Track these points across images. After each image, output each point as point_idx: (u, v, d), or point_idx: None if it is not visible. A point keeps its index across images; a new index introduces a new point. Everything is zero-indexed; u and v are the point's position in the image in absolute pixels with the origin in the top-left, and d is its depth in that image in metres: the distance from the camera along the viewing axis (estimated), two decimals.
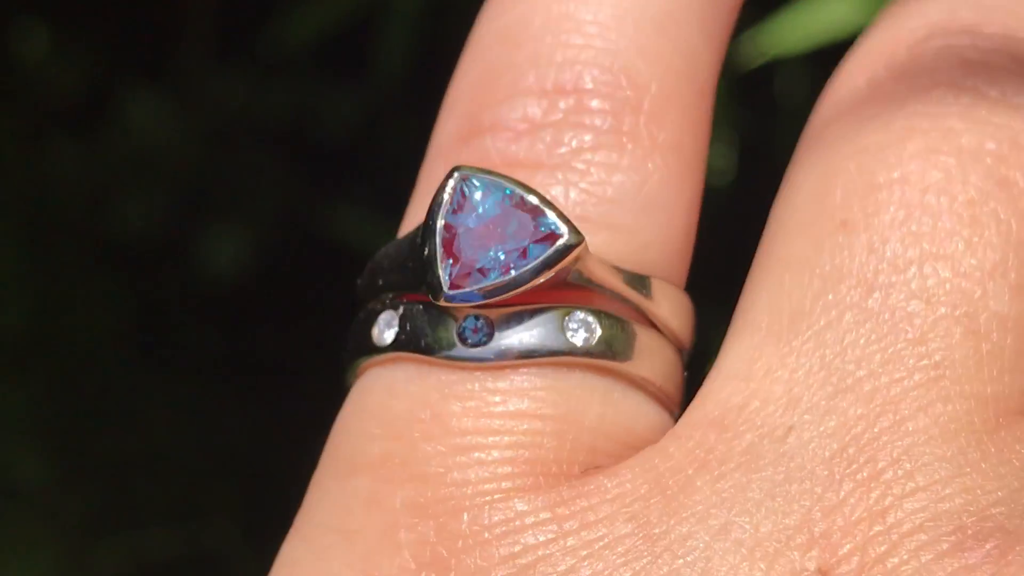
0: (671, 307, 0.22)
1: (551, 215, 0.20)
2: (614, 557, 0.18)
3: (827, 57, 0.94)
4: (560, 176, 0.21)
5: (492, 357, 0.20)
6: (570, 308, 0.20)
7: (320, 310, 1.21)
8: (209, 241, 1.15)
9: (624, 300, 0.22)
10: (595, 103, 0.21)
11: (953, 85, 0.22)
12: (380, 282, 0.23)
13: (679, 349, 0.23)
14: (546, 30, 0.22)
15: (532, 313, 0.20)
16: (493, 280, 0.20)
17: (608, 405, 0.20)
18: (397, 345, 0.21)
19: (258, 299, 1.20)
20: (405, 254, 0.23)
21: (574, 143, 0.21)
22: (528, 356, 0.20)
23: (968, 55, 0.22)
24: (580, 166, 0.21)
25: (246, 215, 1.16)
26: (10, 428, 1.12)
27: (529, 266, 0.20)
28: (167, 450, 1.18)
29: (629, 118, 0.21)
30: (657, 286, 0.22)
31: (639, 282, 0.22)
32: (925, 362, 0.20)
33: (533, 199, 0.20)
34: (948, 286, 0.20)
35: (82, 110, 1.17)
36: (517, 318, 0.20)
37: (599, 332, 0.20)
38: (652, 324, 0.22)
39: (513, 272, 0.20)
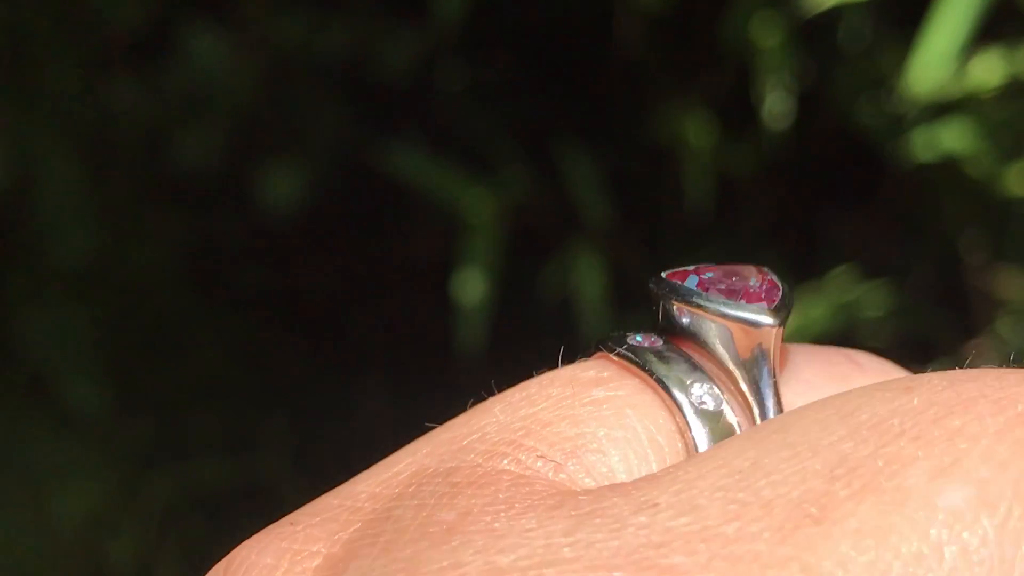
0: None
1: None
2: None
3: (892, 3, 0.93)
4: None
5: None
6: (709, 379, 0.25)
7: (373, 246, 1.21)
8: (265, 177, 1.15)
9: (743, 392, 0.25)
10: None
11: None
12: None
13: None
14: None
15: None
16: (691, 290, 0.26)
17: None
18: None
19: (312, 235, 1.20)
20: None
21: None
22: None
23: None
24: None
25: (302, 152, 1.17)
26: (68, 357, 1.13)
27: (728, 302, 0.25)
28: (220, 383, 1.19)
29: None
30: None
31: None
32: None
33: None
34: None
35: (143, 45, 1.18)
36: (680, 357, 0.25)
37: (711, 406, 0.25)
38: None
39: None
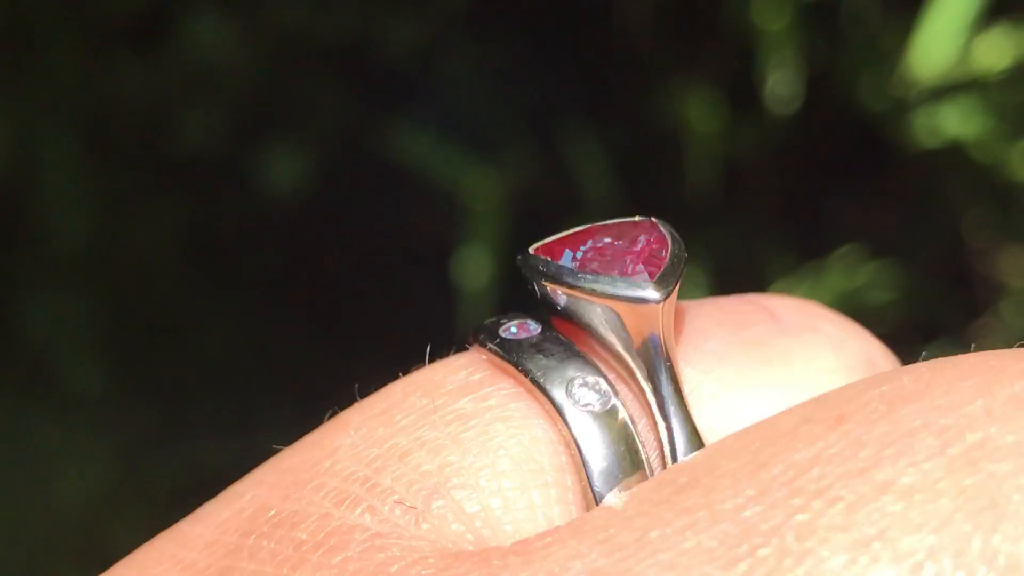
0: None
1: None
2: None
3: None
4: None
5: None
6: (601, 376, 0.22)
7: (377, 229, 1.21)
8: (268, 159, 1.15)
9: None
10: None
11: None
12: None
13: None
14: None
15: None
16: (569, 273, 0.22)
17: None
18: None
19: (316, 218, 1.20)
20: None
21: None
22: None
23: None
24: None
25: (305, 134, 1.17)
26: (71, 340, 1.14)
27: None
28: (223, 366, 1.19)
29: None
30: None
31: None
32: None
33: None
34: None
35: (145, 27, 1.18)
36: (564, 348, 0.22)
37: (597, 406, 0.22)
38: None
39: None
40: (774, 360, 0.23)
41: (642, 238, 0.23)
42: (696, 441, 0.21)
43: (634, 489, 0.20)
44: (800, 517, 0.17)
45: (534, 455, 0.21)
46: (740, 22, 0.98)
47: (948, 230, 1.05)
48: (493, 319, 0.23)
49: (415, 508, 0.20)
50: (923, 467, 0.18)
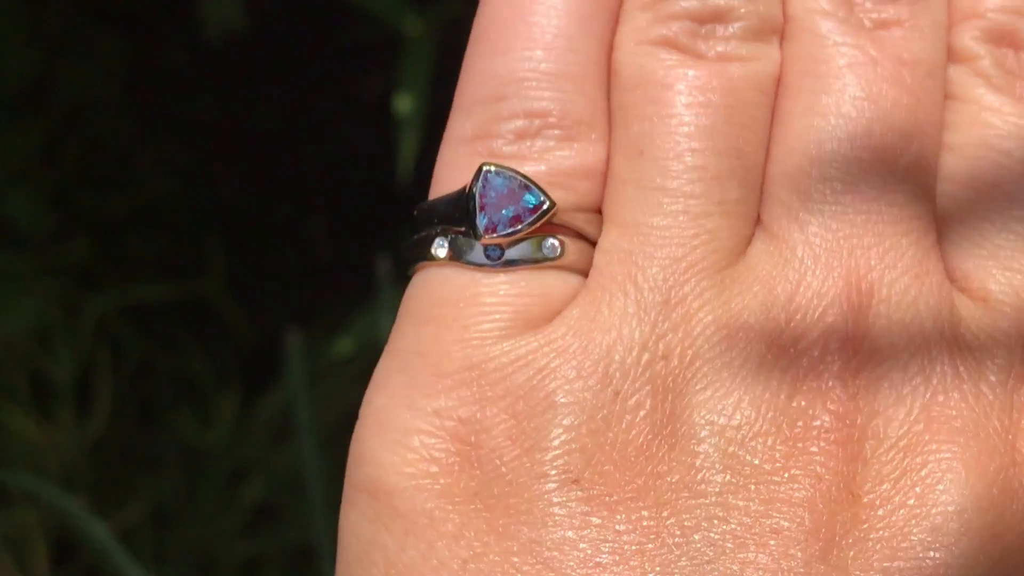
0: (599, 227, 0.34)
1: (537, 191, 0.34)
2: (549, 372, 0.32)
3: None
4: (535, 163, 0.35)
5: (501, 265, 0.33)
6: (545, 236, 0.34)
7: (313, 72, 1.22)
8: (205, 1, 1.15)
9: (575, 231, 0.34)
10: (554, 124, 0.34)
11: None
12: (435, 219, 0.34)
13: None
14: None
15: (525, 240, 0.34)
16: (506, 231, 0.34)
17: (559, 283, 0.33)
18: (448, 258, 0.34)
19: (254, 61, 1.20)
20: (452, 209, 0.35)
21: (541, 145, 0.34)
22: (520, 263, 0.34)
23: None
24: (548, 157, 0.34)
25: None
26: (6, 178, 1.14)
27: (526, 221, 0.34)
28: (159, 207, 1.20)
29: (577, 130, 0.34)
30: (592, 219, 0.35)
31: (591, 220, 0.34)
32: None
33: (526, 182, 0.34)
34: None
35: None
36: (516, 244, 0.34)
37: (559, 249, 0.34)
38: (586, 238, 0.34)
39: (518, 226, 0.34)
40: None
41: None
42: None
43: None
44: None
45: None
46: None
47: None
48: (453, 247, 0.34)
49: None
50: None
